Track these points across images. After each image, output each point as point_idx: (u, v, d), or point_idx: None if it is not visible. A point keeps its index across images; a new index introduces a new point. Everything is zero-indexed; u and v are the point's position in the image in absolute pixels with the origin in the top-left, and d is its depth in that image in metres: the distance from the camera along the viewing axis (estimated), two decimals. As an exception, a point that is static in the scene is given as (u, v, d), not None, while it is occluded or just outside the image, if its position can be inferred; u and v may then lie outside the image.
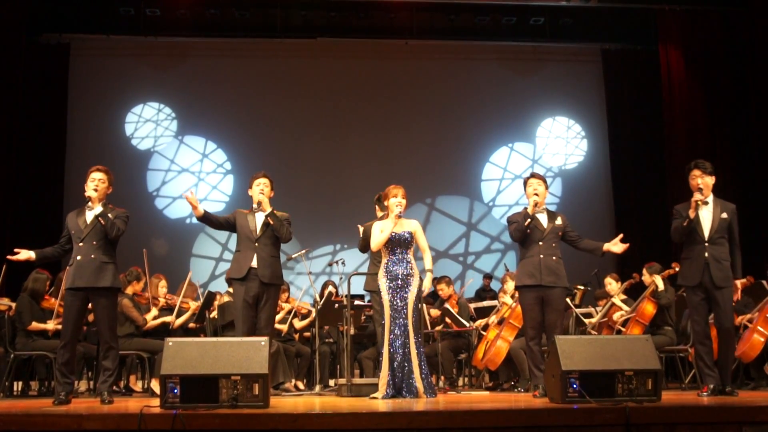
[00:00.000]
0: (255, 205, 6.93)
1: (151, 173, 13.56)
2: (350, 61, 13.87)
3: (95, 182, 6.43)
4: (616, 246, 6.69)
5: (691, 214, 6.45)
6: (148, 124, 13.68)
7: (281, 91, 13.70)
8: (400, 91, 13.90)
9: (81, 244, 6.31)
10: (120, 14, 13.08)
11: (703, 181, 6.53)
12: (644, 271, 8.47)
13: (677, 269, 8.19)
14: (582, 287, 9.50)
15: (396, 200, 6.66)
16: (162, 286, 8.73)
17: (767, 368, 8.29)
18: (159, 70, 13.66)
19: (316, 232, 12.91)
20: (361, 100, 13.84)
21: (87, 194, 6.41)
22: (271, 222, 6.81)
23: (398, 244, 6.61)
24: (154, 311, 8.45)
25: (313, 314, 8.97)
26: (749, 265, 7.01)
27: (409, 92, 13.90)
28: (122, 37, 13.42)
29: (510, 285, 8.78)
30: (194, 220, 13.21)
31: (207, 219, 6.93)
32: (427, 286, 6.66)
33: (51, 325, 7.84)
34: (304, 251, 9.03)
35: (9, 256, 6.49)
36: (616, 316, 8.44)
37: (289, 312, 9.01)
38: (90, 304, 6.52)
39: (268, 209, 6.85)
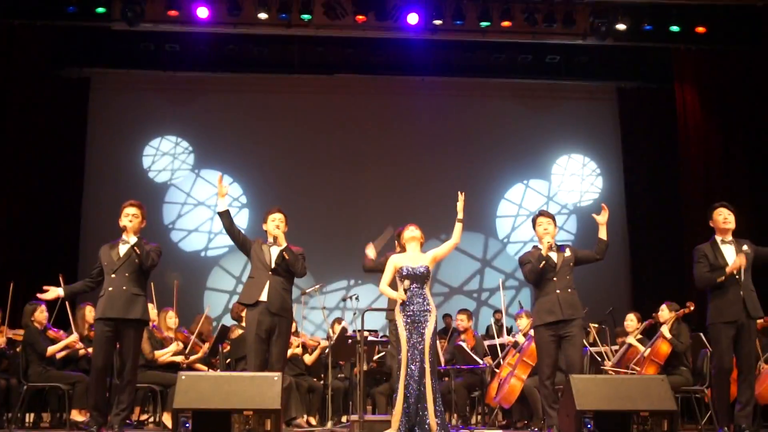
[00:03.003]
0: (270, 239, 6.94)
1: (168, 206, 13.62)
2: (367, 97, 13.95)
3: (129, 216, 6.53)
4: (600, 217, 7.16)
5: (728, 270, 6.54)
6: (165, 157, 13.77)
7: (298, 127, 13.78)
8: (415, 127, 13.94)
9: (113, 275, 6.40)
10: (140, 49, 13.23)
11: (729, 218, 6.72)
12: (663, 307, 8.40)
13: (692, 308, 8.16)
14: (596, 326, 9.42)
15: (409, 231, 6.79)
16: (170, 317, 8.72)
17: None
18: (177, 105, 13.79)
19: (330, 267, 12.90)
20: (377, 135, 13.90)
21: (122, 224, 6.51)
22: (287, 257, 6.82)
23: (414, 279, 6.57)
24: (174, 346, 8.41)
25: (322, 346, 8.97)
26: (765, 305, 6.96)
27: (424, 128, 13.94)
28: (142, 71, 13.57)
29: (523, 322, 8.73)
30: (209, 253, 13.36)
31: (228, 218, 6.93)
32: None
33: (72, 338, 7.88)
34: (318, 286, 9.03)
35: (39, 294, 6.54)
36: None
37: (298, 346, 8.98)
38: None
39: (284, 244, 6.86)
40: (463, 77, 13.91)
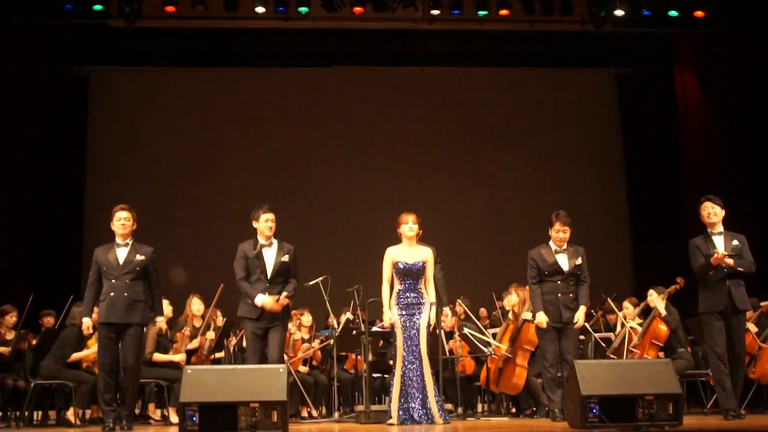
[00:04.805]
0: (262, 240, 6.95)
1: (170, 202, 13.59)
2: (365, 89, 13.92)
3: (121, 221, 6.66)
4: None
5: (714, 262, 6.71)
6: (166, 153, 13.73)
7: (297, 119, 13.75)
8: (415, 118, 13.90)
9: (114, 281, 6.60)
10: (138, 45, 13.19)
11: (713, 210, 6.89)
12: (651, 291, 8.42)
13: (682, 284, 8.17)
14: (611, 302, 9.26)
15: (407, 226, 6.82)
16: (194, 304, 8.68)
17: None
18: (177, 100, 13.74)
19: (332, 260, 12.88)
20: (376, 127, 13.87)
21: (114, 228, 6.76)
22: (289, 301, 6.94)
23: (410, 274, 6.77)
24: (179, 357, 8.39)
25: (315, 346, 9.02)
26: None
27: (424, 119, 13.91)
28: (141, 68, 13.55)
29: (512, 298, 8.71)
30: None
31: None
32: (432, 320, 6.81)
33: (91, 351, 7.87)
34: (321, 278, 8.95)
35: (87, 332, 6.85)
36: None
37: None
38: None
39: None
40: (461, 67, 13.89)
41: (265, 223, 6.93)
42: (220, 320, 9.03)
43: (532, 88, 14.18)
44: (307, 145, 13.72)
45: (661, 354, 8.04)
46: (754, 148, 12.69)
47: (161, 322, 8.31)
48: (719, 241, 6.85)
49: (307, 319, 9.33)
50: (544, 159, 14.03)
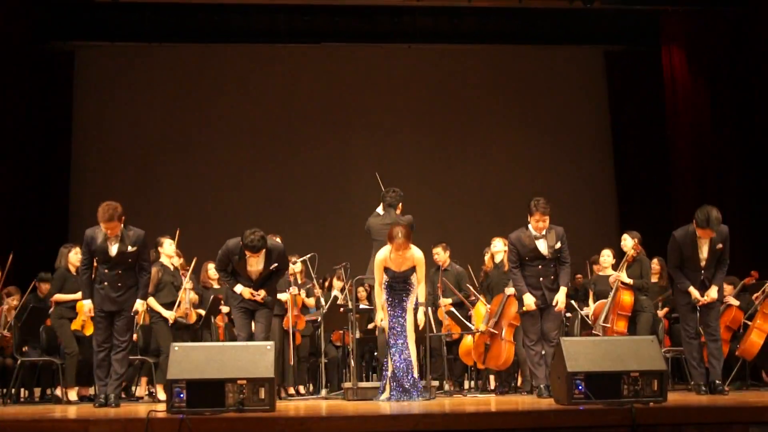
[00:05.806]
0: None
1: (156, 179, 13.54)
2: (353, 65, 13.88)
3: (108, 231, 6.54)
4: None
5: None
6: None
7: (284, 96, 13.71)
8: (403, 94, 13.88)
9: (107, 270, 6.61)
10: (124, 21, 13.09)
11: (709, 234, 6.79)
12: (624, 236, 8.39)
13: (637, 251, 8.16)
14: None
15: (398, 253, 6.78)
16: (171, 244, 8.51)
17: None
18: (163, 76, 13.66)
19: (320, 239, 12.87)
20: (365, 103, 13.83)
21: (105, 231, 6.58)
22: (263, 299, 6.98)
23: (397, 278, 6.91)
24: (169, 313, 8.30)
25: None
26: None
27: (412, 96, 13.89)
28: (126, 43, 13.44)
29: (498, 244, 8.72)
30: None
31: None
32: (421, 320, 6.97)
33: (77, 296, 7.76)
34: (308, 256, 8.95)
35: (90, 314, 6.78)
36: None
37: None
38: None
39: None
40: (449, 44, 13.84)
41: (250, 260, 6.91)
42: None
43: (520, 65, 14.17)
44: (294, 122, 13.67)
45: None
46: (742, 126, 12.73)
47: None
48: (704, 244, 6.85)
49: (297, 266, 9.10)
50: (531, 136, 14.04)
